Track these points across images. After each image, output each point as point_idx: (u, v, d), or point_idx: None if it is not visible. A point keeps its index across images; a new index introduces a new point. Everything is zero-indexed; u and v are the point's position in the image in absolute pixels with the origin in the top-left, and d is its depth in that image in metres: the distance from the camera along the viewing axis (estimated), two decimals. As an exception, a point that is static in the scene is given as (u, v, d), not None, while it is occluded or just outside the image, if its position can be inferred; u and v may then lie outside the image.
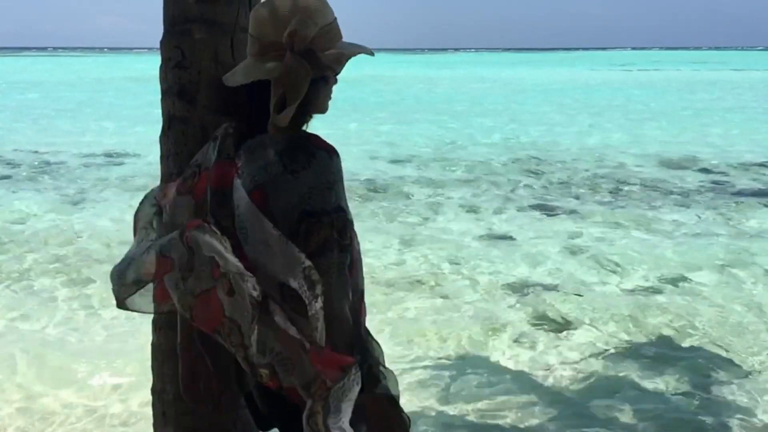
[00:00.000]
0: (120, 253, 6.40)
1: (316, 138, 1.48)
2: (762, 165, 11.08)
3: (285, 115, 1.42)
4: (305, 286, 1.38)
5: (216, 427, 1.80)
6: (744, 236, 6.93)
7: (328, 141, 1.51)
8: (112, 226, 7.18)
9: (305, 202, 1.40)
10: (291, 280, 1.39)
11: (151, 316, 1.77)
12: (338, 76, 1.54)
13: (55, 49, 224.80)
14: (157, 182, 1.85)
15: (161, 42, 1.79)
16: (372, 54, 1.51)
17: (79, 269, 5.73)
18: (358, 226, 1.52)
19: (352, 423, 1.42)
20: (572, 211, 8.06)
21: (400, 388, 3.75)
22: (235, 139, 1.51)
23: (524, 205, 8.36)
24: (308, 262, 1.38)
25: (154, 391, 1.91)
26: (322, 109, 1.54)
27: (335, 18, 1.49)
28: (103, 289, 5.13)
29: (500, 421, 3.42)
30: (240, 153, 1.48)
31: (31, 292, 5.26)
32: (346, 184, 1.50)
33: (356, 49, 1.49)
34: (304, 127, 1.54)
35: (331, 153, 1.46)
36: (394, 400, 1.51)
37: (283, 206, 1.40)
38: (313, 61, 1.43)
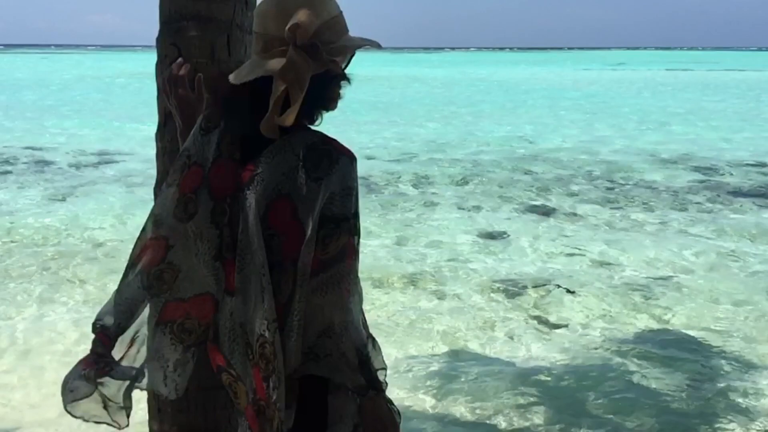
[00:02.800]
0: (110, 251, 6.33)
1: (336, 142, 1.45)
2: (755, 164, 11.15)
3: (290, 113, 1.39)
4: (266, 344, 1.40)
5: (211, 424, 1.80)
6: (737, 235, 6.97)
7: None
8: (102, 223, 7.16)
9: (326, 207, 1.39)
10: (264, 331, 1.41)
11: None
12: (346, 72, 1.49)
13: (47, 46, 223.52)
14: (152, 180, 1.84)
15: (157, 39, 1.78)
16: (379, 47, 1.48)
17: (68, 267, 5.72)
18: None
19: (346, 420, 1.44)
20: (567, 210, 8.08)
21: (396, 384, 3.77)
22: (239, 139, 1.48)
23: (519, 204, 8.39)
24: (273, 318, 1.39)
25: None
26: (331, 106, 1.50)
27: (340, 12, 1.46)
28: (90, 286, 5.18)
29: (494, 417, 3.43)
30: (259, 158, 1.44)
31: (22, 290, 5.23)
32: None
33: (360, 42, 1.46)
34: (315, 125, 1.50)
35: (351, 158, 1.45)
36: (389, 400, 1.50)
37: (309, 214, 1.39)
38: (316, 56, 1.39)
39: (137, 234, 1.54)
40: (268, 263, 1.41)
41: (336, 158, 1.42)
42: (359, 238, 1.46)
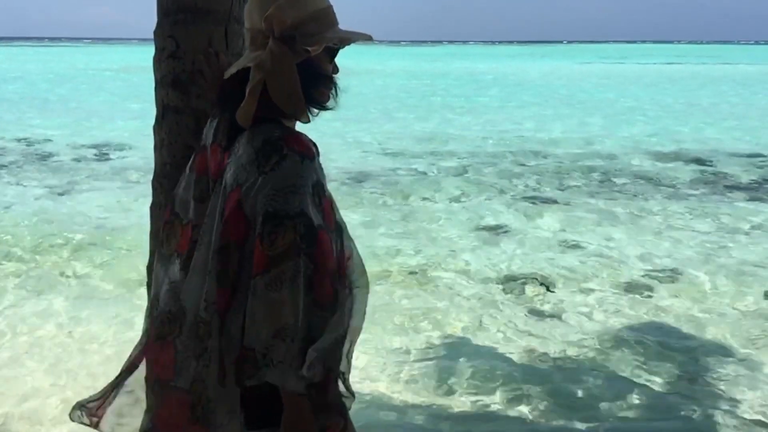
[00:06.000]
0: (108, 244, 6.30)
1: (292, 138, 1.44)
2: (752, 157, 11.19)
3: (292, 108, 1.43)
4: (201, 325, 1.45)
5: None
6: (734, 228, 6.98)
7: (311, 139, 1.47)
8: (100, 217, 7.15)
9: (268, 203, 1.39)
10: (202, 312, 1.46)
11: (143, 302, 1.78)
12: (337, 70, 1.51)
13: (42, 39, 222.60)
14: (149, 175, 1.85)
15: (155, 32, 1.79)
16: (370, 39, 1.49)
17: (65, 259, 5.71)
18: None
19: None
20: (564, 204, 8.10)
21: (391, 376, 3.79)
22: (227, 127, 1.52)
23: (516, 197, 8.40)
24: (213, 300, 1.43)
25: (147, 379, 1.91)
26: (320, 100, 1.50)
27: (329, 5, 1.47)
28: (85, 279, 5.21)
29: (490, 410, 3.44)
30: (233, 146, 1.48)
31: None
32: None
33: (342, 35, 1.46)
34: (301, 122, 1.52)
35: (304, 156, 1.42)
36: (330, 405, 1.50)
37: (253, 207, 1.41)
38: (293, 47, 1.41)
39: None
40: (218, 247, 1.44)
41: (285, 154, 1.41)
42: (319, 238, 1.43)
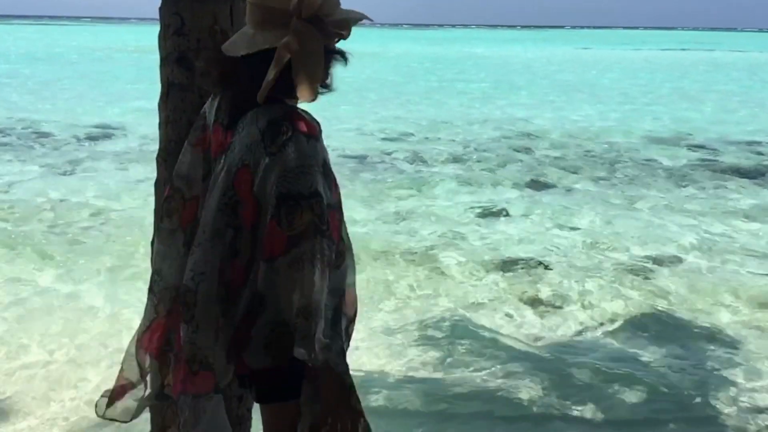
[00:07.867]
0: (105, 227, 6.23)
1: (298, 118, 1.45)
2: (751, 143, 11.20)
3: (308, 89, 1.41)
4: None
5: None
6: (733, 213, 7.02)
7: (314, 117, 1.48)
8: (99, 199, 7.16)
9: (281, 184, 1.39)
10: (188, 281, 1.49)
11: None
12: (342, 49, 1.51)
13: (41, 17, 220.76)
14: (151, 157, 1.86)
15: (160, 8, 1.79)
16: (371, 20, 1.50)
17: (65, 241, 5.74)
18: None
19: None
20: (563, 188, 8.11)
21: (390, 358, 3.80)
22: (229, 107, 1.52)
23: (516, 182, 8.40)
24: (201, 272, 1.46)
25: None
26: (327, 80, 1.50)
27: None
28: (81, 262, 5.21)
29: (488, 393, 3.48)
30: (236, 126, 1.48)
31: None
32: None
33: (358, 15, 1.47)
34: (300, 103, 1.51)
35: (310, 136, 1.43)
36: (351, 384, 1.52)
37: (264, 188, 1.42)
38: (321, 28, 1.41)
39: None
40: (234, 227, 1.45)
41: (291, 135, 1.41)
42: (336, 215, 1.46)
